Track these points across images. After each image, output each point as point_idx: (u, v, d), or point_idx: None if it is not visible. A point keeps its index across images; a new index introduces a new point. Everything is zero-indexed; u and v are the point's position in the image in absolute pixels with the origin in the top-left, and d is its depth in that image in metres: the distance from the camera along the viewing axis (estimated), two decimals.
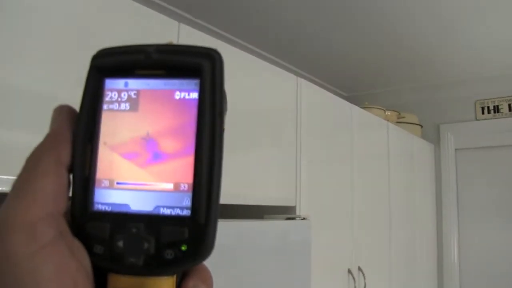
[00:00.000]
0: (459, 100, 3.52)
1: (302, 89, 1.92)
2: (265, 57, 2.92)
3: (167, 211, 0.31)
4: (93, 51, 0.34)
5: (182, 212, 0.31)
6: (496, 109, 3.35)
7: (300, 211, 1.80)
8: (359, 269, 2.25)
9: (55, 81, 1.01)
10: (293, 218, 1.66)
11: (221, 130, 0.32)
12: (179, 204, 0.31)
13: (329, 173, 2.09)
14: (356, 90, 3.79)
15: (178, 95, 0.32)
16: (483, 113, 3.41)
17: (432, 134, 3.60)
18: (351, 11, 2.37)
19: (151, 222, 0.31)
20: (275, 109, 1.78)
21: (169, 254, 0.30)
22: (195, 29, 1.47)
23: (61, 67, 1.02)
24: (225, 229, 1.36)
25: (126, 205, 0.32)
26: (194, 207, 0.31)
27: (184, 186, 0.31)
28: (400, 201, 2.85)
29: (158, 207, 0.31)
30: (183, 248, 0.30)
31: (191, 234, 0.30)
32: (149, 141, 0.32)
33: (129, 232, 0.30)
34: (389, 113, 3.08)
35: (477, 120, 3.43)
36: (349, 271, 2.17)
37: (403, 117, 3.24)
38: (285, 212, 1.75)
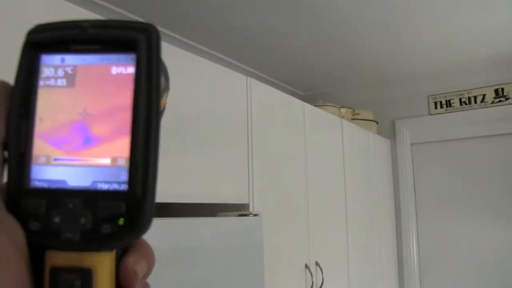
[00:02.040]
0: (413, 96, 3.61)
1: (252, 88, 1.94)
2: (218, 58, 2.93)
3: (104, 186, 0.31)
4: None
5: (119, 186, 0.31)
6: (448, 103, 3.45)
7: (253, 209, 1.82)
8: (317, 264, 2.29)
9: None
10: (245, 215, 1.68)
11: (158, 105, 0.32)
12: (116, 178, 0.31)
13: (282, 171, 2.12)
14: (313, 89, 3.84)
15: (115, 70, 0.32)
16: (436, 107, 3.51)
17: (387, 130, 3.68)
18: (304, 9, 2.39)
19: (88, 197, 0.30)
20: (226, 108, 1.79)
21: (106, 228, 0.30)
22: None
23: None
24: (177, 227, 1.37)
25: (63, 181, 0.31)
26: (131, 181, 0.30)
27: (121, 161, 0.31)
28: (357, 196, 2.90)
29: (95, 182, 0.31)
30: (120, 222, 0.30)
31: (128, 208, 0.30)
32: (86, 116, 0.32)
33: (65, 208, 0.30)
34: (344, 111, 3.13)
35: (430, 114, 3.53)
36: (306, 267, 2.20)
37: (358, 114, 3.30)
38: (239, 209, 1.77)
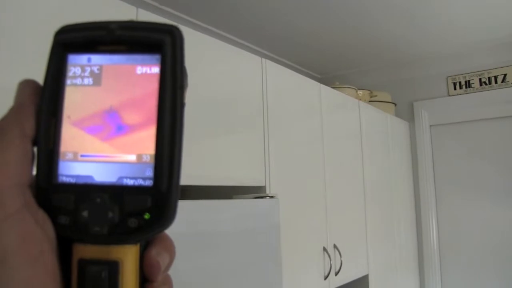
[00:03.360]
0: (431, 77, 3.55)
1: (268, 70, 1.92)
2: (234, 41, 2.91)
3: (130, 182, 0.32)
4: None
5: (144, 182, 0.32)
6: (468, 84, 3.39)
7: (270, 191, 1.81)
8: (335, 247, 2.27)
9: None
10: (262, 197, 1.67)
11: (182, 103, 0.32)
12: (141, 174, 0.32)
13: (299, 153, 2.10)
14: (329, 72, 3.80)
15: (139, 69, 0.33)
16: (455, 88, 3.44)
17: (406, 112, 3.63)
18: None
19: (114, 192, 0.32)
20: (242, 90, 1.78)
21: (132, 222, 0.31)
22: (154, 14, 1.46)
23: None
24: (193, 209, 1.36)
25: (90, 177, 0.32)
26: (156, 177, 0.32)
27: (147, 157, 0.32)
28: (375, 179, 2.88)
29: (121, 178, 0.32)
30: (146, 216, 0.31)
31: (153, 203, 0.31)
32: (112, 114, 0.33)
33: (93, 202, 0.31)
34: (361, 92, 3.09)
35: (449, 96, 3.47)
36: (325, 249, 2.19)
37: (376, 96, 3.25)
38: (255, 192, 1.76)
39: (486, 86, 3.31)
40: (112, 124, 0.33)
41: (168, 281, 0.35)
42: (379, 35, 3.00)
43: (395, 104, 3.50)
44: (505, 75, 3.24)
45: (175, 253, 0.35)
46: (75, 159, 0.33)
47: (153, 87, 0.33)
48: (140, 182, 0.32)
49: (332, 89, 2.54)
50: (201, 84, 1.58)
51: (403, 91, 3.63)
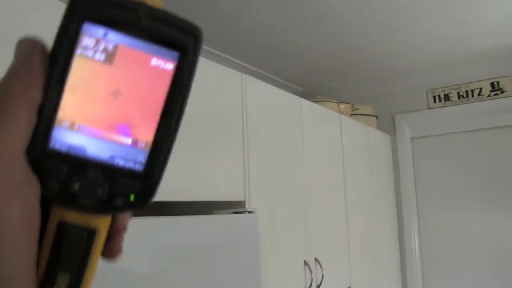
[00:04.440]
0: (412, 90, 3.60)
1: (248, 85, 1.94)
2: (215, 55, 2.93)
3: (121, 162, 0.33)
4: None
5: (135, 166, 0.33)
6: (447, 97, 3.45)
7: (249, 206, 1.82)
8: (316, 260, 2.28)
9: None
10: (240, 212, 1.68)
11: (185, 105, 0.34)
12: (134, 158, 0.33)
13: (280, 168, 2.11)
14: (312, 85, 3.83)
15: (154, 61, 0.33)
16: (434, 101, 3.50)
17: (387, 125, 3.67)
18: (302, 6, 2.39)
19: (107, 170, 0.33)
20: (221, 105, 1.79)
21: (119, 201, 0.33)
22: None
23: None
24: (172, 225, 1.37)
25: (83, 149, 0.33)
26: (149, 165, 0.34)
27: (142, 144, 0.33)
28: (357, 192, 2.90)
29: (114, 156, 0.33)
30: (131, 198, 0.33)
31: (141, 188, 0.33)
32: (117, 96, 0.33)
33: (86, 177, 0.32)
34: (343, 106, 3.12)
35: (429, 109, 3.52)
36: (306, 263, 2.20)
37: (358, 109, 3.29)
38: (235, 207, 1.77)
39: (464, 99, 3.38)
40: (116, 105, 0.33)
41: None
42: (362, 48, 3.03)
43: (377, 117, 3.54)
44: (480, 88, 3.32)
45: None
46: (71, 129, 0.32)
47: (165, 82, 0.33)
48: (131, 165, 0.33)
49: (313, 103, 2.56)
50: None
51: (385, 104, 3.68)
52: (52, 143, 0.32)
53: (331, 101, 2.97)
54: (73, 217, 0.33)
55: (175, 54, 0.33)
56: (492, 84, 3.29)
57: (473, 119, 3.36)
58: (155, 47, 0.33)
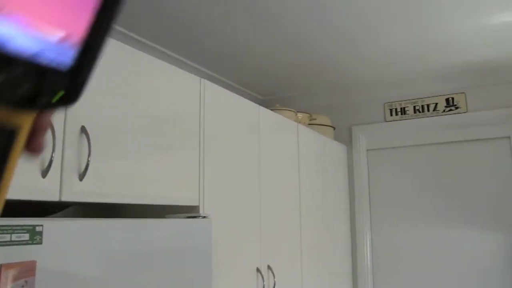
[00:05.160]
0: (369, 102, 3.67)
1: (206, 90, 1.94)
2: (174, 59, 2.91)
3: (49, 57, 0.30)
4: None
5: (64, 63, 0.31)
6: (403, 111, 3.53)
7: (203, 211, 1.81)
8: (269, 267, 2.29)
9: None
10: (194, 217, 1.67)
11: (119, 11, 0.32)
12: (63, 55, 0.31)
13: (235, 174, 2.11)
14: (272, 93, 3.86)
15: None
16: (391, 114, 3.57)
17: (344, 136, 3.73)
18: (261, 14, 2.40)
19: (34, 65, 0.30)
20: (178, 109, 1.78)
21: (43, 99, 0.31)
22: None
23: None
24: (124, 228, 1.35)
25: (8, 39, 0.29)
26: (79, 64, 0.31)
27: (74, 41, 0.31)
28: (312, 201, 2.92)
29: (43, 50, 0.30)
30: (57, 96, 0.32)
31: (68, 87, 0.32)
32: None
33: (12, 71, 0.29)
34: (300, 115, 3.14)
35: (386, 121, 3.59)
36: (258, 270, 2.20)
37: (315, 119, 3.32)
38: (189, 212, 1.76)
39: (420, 113, 3.47)
40: None
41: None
42: (321, 58, 3.07)
43: (334, 128, 3.58)
44: (436, 104, 3.41)
45: None
46: None
47: None
48: (60, 61, 0.31)
49: (271, 111, 2.57)
50: (137, 101, 1.57)
51: (342, 115, 3.74)
52: None
53: (289, 110, 3.00)
54: None
55: None
56: (447, 100, 3.40)
57: (428, 133, 3.46)
58: None
